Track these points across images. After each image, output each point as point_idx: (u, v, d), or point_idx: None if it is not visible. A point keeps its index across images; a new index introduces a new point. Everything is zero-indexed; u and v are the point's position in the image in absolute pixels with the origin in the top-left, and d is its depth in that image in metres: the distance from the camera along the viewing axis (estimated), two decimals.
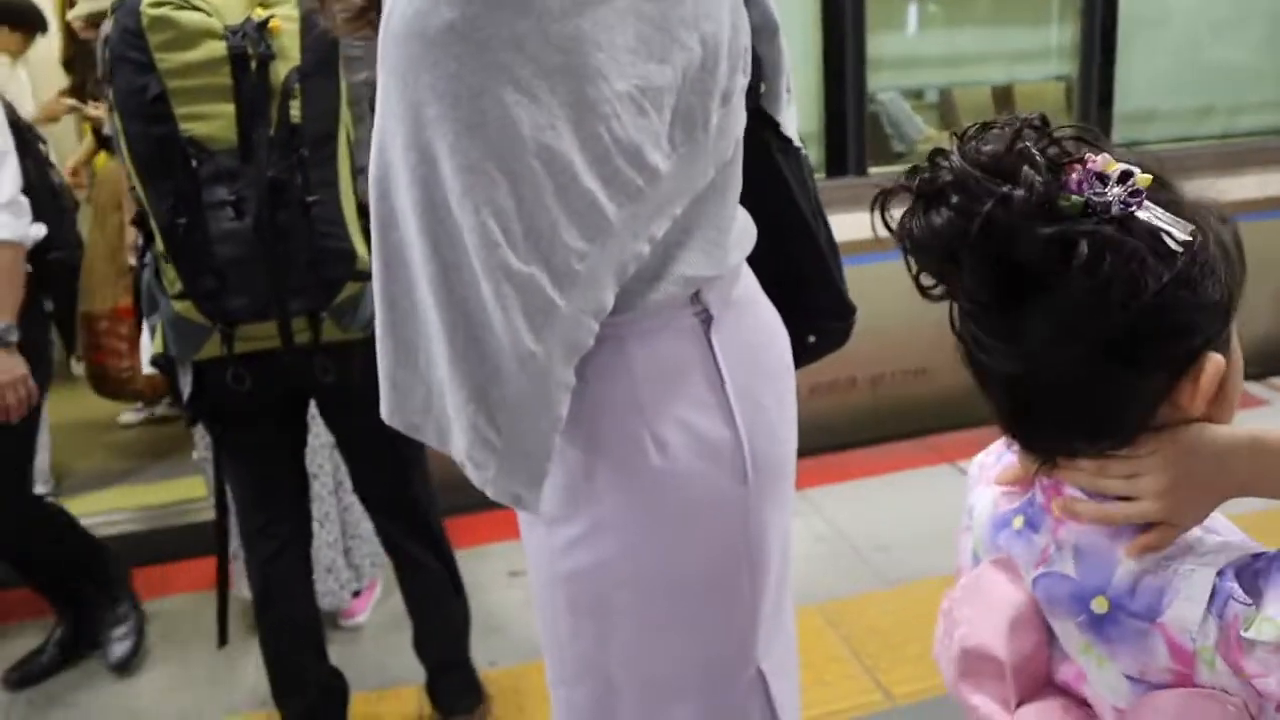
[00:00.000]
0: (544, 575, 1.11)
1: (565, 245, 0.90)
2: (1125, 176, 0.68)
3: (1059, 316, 0.69)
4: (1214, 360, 0.73)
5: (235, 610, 2.57)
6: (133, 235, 3.07)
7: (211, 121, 1.63)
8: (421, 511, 2.07)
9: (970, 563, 0.90)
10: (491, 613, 2.19)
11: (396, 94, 0.90)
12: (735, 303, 1.08)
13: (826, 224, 1.27)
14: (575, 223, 0.90)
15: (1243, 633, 0.68)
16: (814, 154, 3.48)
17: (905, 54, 3.95)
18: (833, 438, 3.38)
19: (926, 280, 0.75)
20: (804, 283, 1.24)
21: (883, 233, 0.75)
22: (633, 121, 0.90)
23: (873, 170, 3.53)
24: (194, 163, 1.61)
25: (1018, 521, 0.84)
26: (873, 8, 3.43)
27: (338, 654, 2.08)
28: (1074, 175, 0.69)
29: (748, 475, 1.05)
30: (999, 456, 0.93)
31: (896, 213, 0.74)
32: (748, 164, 1.09)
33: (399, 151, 0.91)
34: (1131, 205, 0.68)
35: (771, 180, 1.19)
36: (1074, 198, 0.68)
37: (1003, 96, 3.98)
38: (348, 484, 2.23)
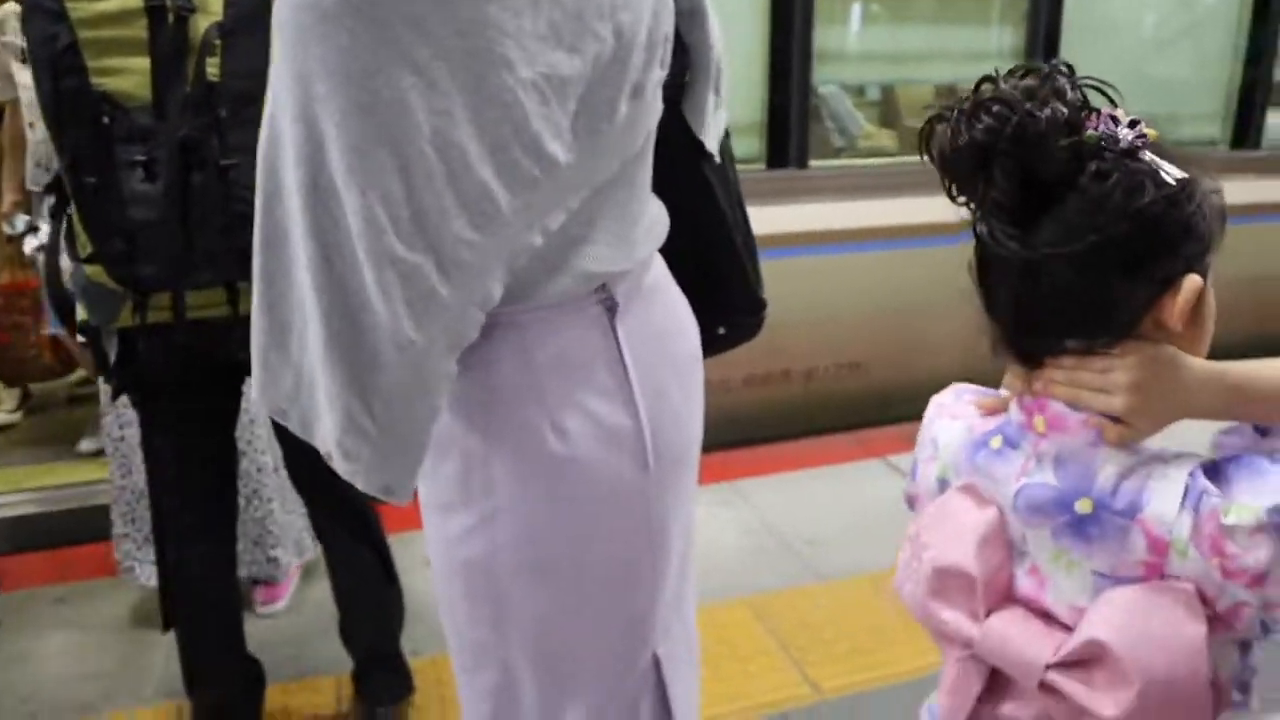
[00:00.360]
0: (441, 563, 1.09)
1: (454, 234, 0.87)
2: (1134, 123, 0.83)
3: (1069, 218, 0.82)
4: (1192, 278, 0.83)
5: (141, 597, 2.48)
6: (8, 203, 2.94)
7: (126, 76, 1.53)
8: (351, 496, 1.98)
9: (934, 488, 1.00)
10: (413, 600, 2.13)
11: (287, 65, 0.85)
12: (644, 291, 1.07)
13: (746, 220, 1.26)
14: (466, 212, 0.87)
15: (1223, 520, 0.79)
16: (756, 145, 3.46)
17: (849, 49, 3.96)
18: (764, 430, 3.37)
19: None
20: (719, 280, 1.23)
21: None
22: (535, 110, 0.87)
23: (813, 163, 3.53)
24: (106, 119, 1.52)
25: (996, 441, 0.93)
26: (819, 2, 3.42)
27: (253, 642, 2.00)
28: (1093, 119, 0.83)
29: (649, 462, 1.04)
30: (957, 395, 1.03)
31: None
32: (668, 159, 1.07)
33: (288, 124, 0.86)
34: (1138, 145, 0.82)
35: (690, 175, 1.17)
36: (1090, 133, 0.82)
37: (946, 96, 4.01)
38: None
